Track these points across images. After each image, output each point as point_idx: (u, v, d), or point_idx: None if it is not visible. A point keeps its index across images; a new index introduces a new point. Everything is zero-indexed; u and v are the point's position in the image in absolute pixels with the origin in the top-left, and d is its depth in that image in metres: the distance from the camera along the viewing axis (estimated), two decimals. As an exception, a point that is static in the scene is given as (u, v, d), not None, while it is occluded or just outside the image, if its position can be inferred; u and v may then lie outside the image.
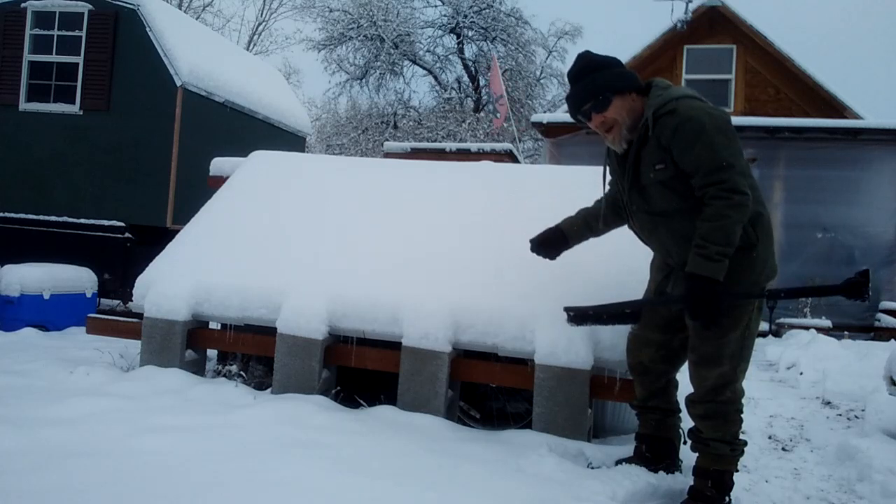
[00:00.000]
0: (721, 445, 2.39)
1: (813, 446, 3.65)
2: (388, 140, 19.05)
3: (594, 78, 2.46)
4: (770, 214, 2.47)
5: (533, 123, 10.51)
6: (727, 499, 2.41)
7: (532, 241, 2.95)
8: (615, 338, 2.96)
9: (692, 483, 2.45)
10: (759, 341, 7.74)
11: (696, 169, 2.29)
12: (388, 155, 9.70)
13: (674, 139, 2.32)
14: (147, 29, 7.81)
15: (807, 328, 7.74)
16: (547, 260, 2.98)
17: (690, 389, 2.48)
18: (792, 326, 8.07)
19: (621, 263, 3.12)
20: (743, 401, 2.45)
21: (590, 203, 2.92)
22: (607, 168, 2.72)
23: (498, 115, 12.76)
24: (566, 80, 2.68)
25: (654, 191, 2.43)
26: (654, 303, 2.60)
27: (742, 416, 2.44)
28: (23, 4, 8.10)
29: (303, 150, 11.21)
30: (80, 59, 7.98)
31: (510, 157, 9.25)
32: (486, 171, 4.17)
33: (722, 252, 2.23)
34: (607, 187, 2.77)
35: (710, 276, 2.24)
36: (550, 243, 2.91)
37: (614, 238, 2.89)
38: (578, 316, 2.71)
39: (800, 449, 3.60)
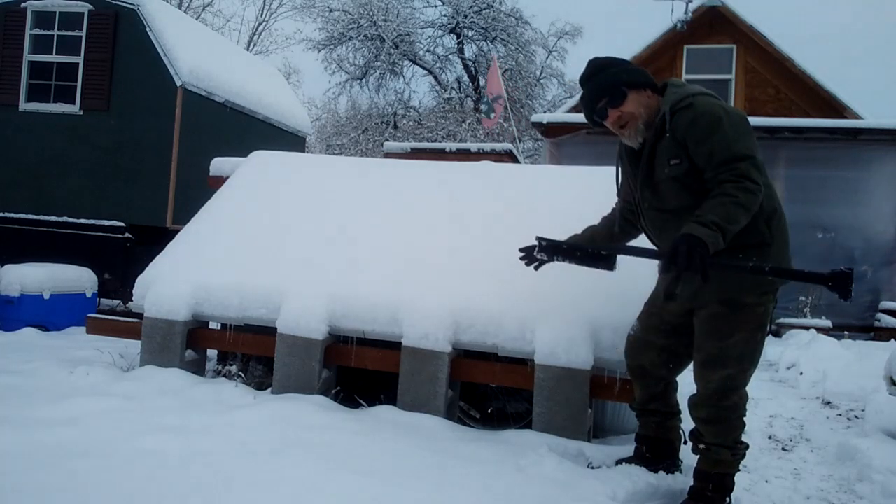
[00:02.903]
0: (722, 450, 2.38)
1: (813, 446, 3.65)
2: (388, 140, 19.06)
3: (607, 75, 2.47)
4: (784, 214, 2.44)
5: (533, 123, 10.50)
6: (727, 500, 2.41)
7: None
8: (615, 338, 2.96)
9: (693, 483, 2.45)
10: (759, 341, 7.70)
11: (710, 160, 2.26)
12: (388, 155, 9.70)
13: (689, 132, 2.31)
14: (147, 29, 7.81)
15: (807, 328, 7.73)
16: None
17: (692, 391, 2.46)
18: (792, 326, 8.06)
19: (621, 265, 3.11)
20: (746, 405, 2.43)
21: (589, 203, 2.92)
22: (619, 169, 2.71)
23: (492, 114, 12.66)
24: (578, 84, 2.65)
25: (666, 187, 2.42)
26: (630, 251, 2.49)
27: (744, 420, 2.42)
28: (23, 4, 8.10)
29: (303, 150, 11.21)
30: (80, 59, 7.98)
31: (510, 157, 9.26)
32: (486, 172, 4.17)
33: (717, 223, 2.12)
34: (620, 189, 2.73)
35: (699, 237, 2.11)
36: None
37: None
38: (550, 247, 2.58)
39: (800, 449, 3.60)
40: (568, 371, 2.97)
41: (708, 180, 2.29)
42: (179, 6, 22.27)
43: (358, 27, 22.51)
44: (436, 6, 23.41)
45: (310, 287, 3.41)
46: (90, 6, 7.94)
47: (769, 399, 4.72)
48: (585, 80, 2.52)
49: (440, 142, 19.03)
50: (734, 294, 2.33)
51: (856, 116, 10.81)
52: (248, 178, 4.37)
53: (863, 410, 4.06)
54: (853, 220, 8.91)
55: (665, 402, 2.67)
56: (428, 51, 23.70)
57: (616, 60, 2.53)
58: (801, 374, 5.37)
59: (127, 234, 7.83)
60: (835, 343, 6.32)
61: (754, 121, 9.27)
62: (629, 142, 2.52)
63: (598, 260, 2.55)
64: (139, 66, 7.87)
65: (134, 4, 7.84)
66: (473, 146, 9.81)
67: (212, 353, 4.09)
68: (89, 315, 4.04)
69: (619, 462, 2.70)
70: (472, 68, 23.51)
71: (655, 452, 2.67)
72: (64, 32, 8.06)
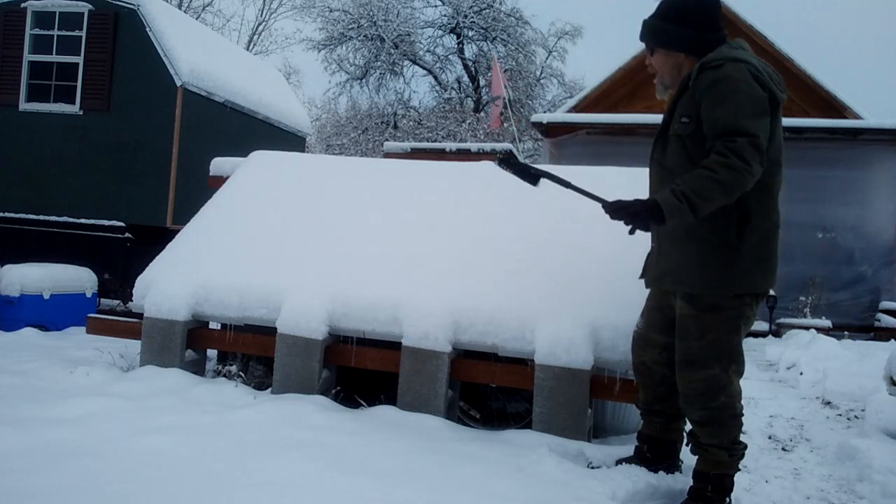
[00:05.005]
0: (719, 451, 2.36)
1: (813, 446, 3.65)
2: (388, 140, 19.05)
3: (656, 24, 2.49)
4: (777, 224, 2.37)
5: (533, 123, 10.50)
6: (727, 500, 2.40)
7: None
8: (615, 338, 2.96)
9: (692, 484, 2.45)
10: (759, 341, 7.73)
11: (713, 128, 2.22)
12: (388, 155, 9.70)
13: (705, 93, 2.26)
14: (147, 29, 7.81)
15: (807, 328, 7.73)
16: (550, 258, 2.94)
17: None
18: (792, 326, 8.06)
19: (621, 265, 3.12)
20: (742, 402, 2.40)
21: (588, 202, 2.90)
22: None
23: (501, 114, 12.70)
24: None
25: (672, 143, 2.40)
26: (565, 183, 2.66)
27: (742, 419, 2.40)
28: (23, 4, 8.10)
29: (303, 150, 11.21)
30: (80, 59, 7.97)
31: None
32: (487, 172, 4.17)
33: (686, 195, 2.15)
34: None
35: (658, 201, 2.21)
36: None
37: (615, 240, 2.88)
38: (506, 161, 2.83)
39: (800, 449, 3.60)
40: (568, 371, 2.98)
41: (708, 149, 2.25)
42: (179, 6, 22.27)
43: (358, 27, 22.51)
44: (436, 6, 23.42)
45: (310, 287, 3.41)
46: (90, 6, 7.93)
47: (769, 399, 4.73)
48: (655, 11, 2.51)
49: (440, 142, 19.03)
50: (699, 290, 2.32)
51: (856, 116, 10.80)
52: (247, 177, 4.37)
53: (863, 410, 4.06)
54: (853, 220, 8.91)
55: (669, 404, 2.64)
56: (428, 51, 23.71)
57: (682, 16, 2.42)
58: (801, 374, 5.37)
59: (127, 234, 7.83)
60: (835, 343, 6.32)
61: (754, 121, 9.27)
62: (657, 93, 2.60)
63: (530, 177, 2.80)
64: (139, 66, 7.87)
65: (134, 4, 7.83)
66: (473, 146, 9.81)
67: (212, 353, 4.09)
68: (89, 315, 4.04)
69: (619, 462, 2.70)
70: (473, 68, 23.51)
71: (656, 452, 2.67)
72: (64, 32, 8.05)
